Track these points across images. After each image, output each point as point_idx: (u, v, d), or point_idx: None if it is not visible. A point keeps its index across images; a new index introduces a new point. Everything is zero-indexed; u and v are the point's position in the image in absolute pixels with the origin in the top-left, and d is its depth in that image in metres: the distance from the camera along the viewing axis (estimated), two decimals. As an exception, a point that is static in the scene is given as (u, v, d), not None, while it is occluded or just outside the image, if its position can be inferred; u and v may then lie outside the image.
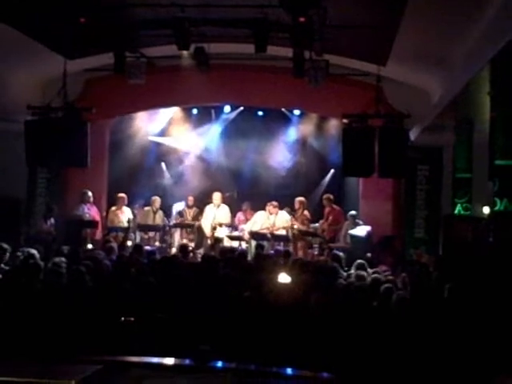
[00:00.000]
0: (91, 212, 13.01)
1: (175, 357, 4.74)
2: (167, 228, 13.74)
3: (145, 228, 13.48)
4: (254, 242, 12.27)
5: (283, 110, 14.92)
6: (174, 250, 12.83)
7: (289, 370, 4.73)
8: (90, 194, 13.02)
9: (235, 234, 13.39)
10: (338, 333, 5.69)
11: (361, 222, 12.74)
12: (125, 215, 13.28)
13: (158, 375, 4.47)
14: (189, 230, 13.72)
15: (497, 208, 7.97)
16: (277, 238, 12.78)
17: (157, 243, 13.22)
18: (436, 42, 9.52)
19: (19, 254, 8.36)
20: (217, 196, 13.67)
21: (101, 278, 7.28)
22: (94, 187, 13.34)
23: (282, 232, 13.09)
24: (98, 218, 13.10)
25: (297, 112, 15.04)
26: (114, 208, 13.44)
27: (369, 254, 10.77)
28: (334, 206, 13.41)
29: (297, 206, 13.41)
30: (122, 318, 6.15)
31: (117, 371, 4.38)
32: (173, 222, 13.95)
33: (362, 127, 10.22)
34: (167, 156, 16.03)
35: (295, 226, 13.11)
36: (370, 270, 8.18)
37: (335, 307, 6.19)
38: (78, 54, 11.22)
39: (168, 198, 14.87)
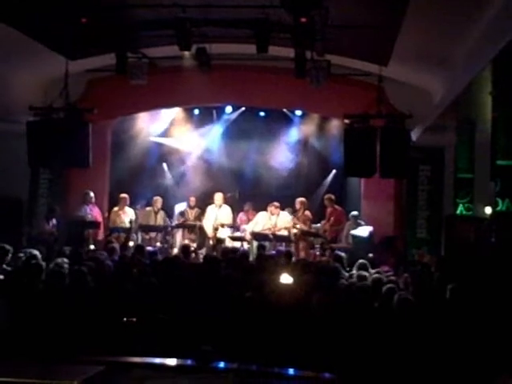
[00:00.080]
0: (93, 213, 13.01)
1: (177, 357, 4.74)
2: (169, 228, 13.75)
3: (146, 228, 13.47)
4: (255, 243, 12.26)
5: (285, 110, 14.92)
6: (175, 251, 12.84)
7: (291, 371, 4.72)
8: (91, 194, 13.04)
9: (237, 234, 13.39)
10: (340, 333, 5.68)
11: (362, 223, 12.75)
12: (127, 216, 13.28)
13: (160, 376, 4.47)
14: (191, 231, 13.72)
15: (499, 208, 7.97)
16: (278, 239, 12.77)
17: (158, 244, 13.22)
18: (438, 41, 9.51)
19: (21, 254, 8.35)
20: (218, 197, 13.66)
21: (103, 279, 7.28)
22: (96, 188, 13.35)
23: (284, 232, 13.09)
24: (99, 218, 13.11)
25: (298, 112, 15.04)
26: (116, 208, 13.45)
27: (371, 255, 10.75)
28: (336, 207, 13.41)
29: (298, 206, 13.41)
30: (124, 319, 6.15)
31: (119, 372, 4.38)
32: (175, 222, 13.93)
33: (364, 127, 10.21)
34: (169, 156, 16.04)
35: (298, 226, 13.12)
36: (371, 271, 8.18)
37: (337, 308, 6.18)
38: (79, 55, 11.24)
39: (170, 198, 14.88)
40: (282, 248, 11.91)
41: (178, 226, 13.80)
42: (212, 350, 4.57)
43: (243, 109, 15.04)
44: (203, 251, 13.04)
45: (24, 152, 10.61)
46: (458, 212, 11.28)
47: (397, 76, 11.84)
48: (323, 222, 13.41)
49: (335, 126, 14.31)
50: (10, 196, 12.72)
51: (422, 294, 6.83)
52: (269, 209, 13.27)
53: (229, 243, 12.69)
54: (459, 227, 11.01)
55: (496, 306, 6.22)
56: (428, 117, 11.50)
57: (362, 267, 8.28)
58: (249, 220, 13.85)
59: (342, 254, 9.48)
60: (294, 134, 15.66)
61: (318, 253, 12.55)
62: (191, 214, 13.84)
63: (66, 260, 7.94)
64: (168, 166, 16.03)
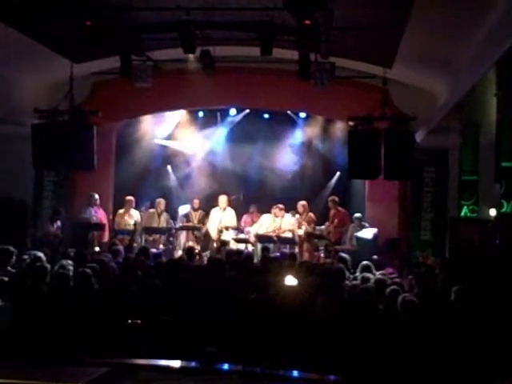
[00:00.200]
0: (98, 215, 13.04)
1: (182, 359, 4.75)
2: (173, 230, 13.76)
3: (150, 230, 13.49)
4: (260, 245, 12.26)
5: (289, 112, 14.93)
6: (179, 253, 12.85)
7: (295, 373, 4.73)
8: (96, 196, 13.06)
9: (241, 236, 13.40)
10: (345, 335, 5.68)
11: (367, 225, 12.74)
12: (132, 218, 13.31)
13: (164, 378, 4.48)
14: (195, 233, 13.73)
15: (503, 210, 7.97)
16: (283, 241, 12.78)
17: (161, 246, 13.23)
18: (442, 44, 9.50)
19: (26, 256, 8.37)
20: (223, 199, 13.67)
21: (107, 281, 7.29)
22: (101, 190, 13.38)
23: (288, 235, 13.09)
24: (104, 220, 13.14)
25: (302, 114, 15.05)
26: (121, 211, 13.47)
27: (375, 257, 10.74)
28: (340, 209, 13.41)
29: (300, 210, 13.44)
30: (129, 321, 6.16)
31: (123, 374, 4.39)
32: (179, 224, 13.95)
33: (368, 129, 10.21)
34: (173, 159, 16.07)
35: (303, 227, 13.13)
36: (375, 273, 8.17)
37: (341, 309, 6.18)
38: (84, 58, 11.25)
39: (174, 200, 14.91)
40: (287, 250, 11.89)
41: (182, 229, 13.82)
42: (216, 352, 4.58)
43: (247, 111, 15.05)
44: (207, 253, 13.04)
45: (29, 154, 10.65)
46: (463, 214, 11.27)
47: (401, 78, 11.83)
48: (327, 223, 13.41)
49: (339, 128, 14.32)
50: (14, 198, 12.75)
51: (426, 296, 6.82)
52: (273, 211, 13.28)
53: (233, 245, 12.69)
54: (464, 229, 10.99)
55: (501, 308, 6.21)
56: (432, 119, 11.49)
57: (366, 269, 8.27)
58: (253, 222, 13.85)
59: (346, 256, 9.47)
60: (298, 136, 15.66)
61: (322, 255, 12.54)
62: (195, 216, 13.85)
63: (70, 262, 7.96)
64: (172, 168, 16.05)
